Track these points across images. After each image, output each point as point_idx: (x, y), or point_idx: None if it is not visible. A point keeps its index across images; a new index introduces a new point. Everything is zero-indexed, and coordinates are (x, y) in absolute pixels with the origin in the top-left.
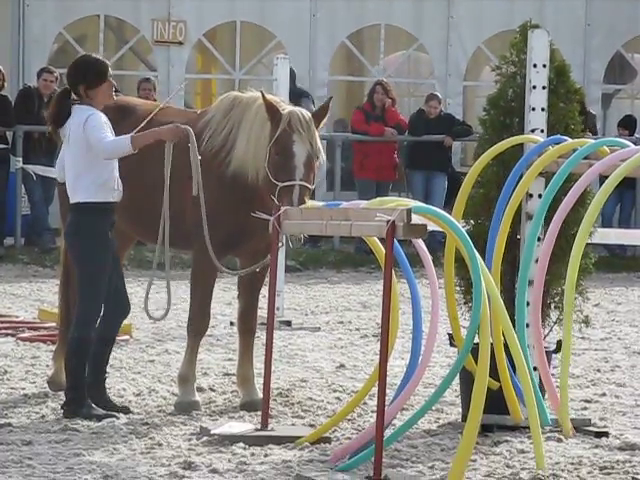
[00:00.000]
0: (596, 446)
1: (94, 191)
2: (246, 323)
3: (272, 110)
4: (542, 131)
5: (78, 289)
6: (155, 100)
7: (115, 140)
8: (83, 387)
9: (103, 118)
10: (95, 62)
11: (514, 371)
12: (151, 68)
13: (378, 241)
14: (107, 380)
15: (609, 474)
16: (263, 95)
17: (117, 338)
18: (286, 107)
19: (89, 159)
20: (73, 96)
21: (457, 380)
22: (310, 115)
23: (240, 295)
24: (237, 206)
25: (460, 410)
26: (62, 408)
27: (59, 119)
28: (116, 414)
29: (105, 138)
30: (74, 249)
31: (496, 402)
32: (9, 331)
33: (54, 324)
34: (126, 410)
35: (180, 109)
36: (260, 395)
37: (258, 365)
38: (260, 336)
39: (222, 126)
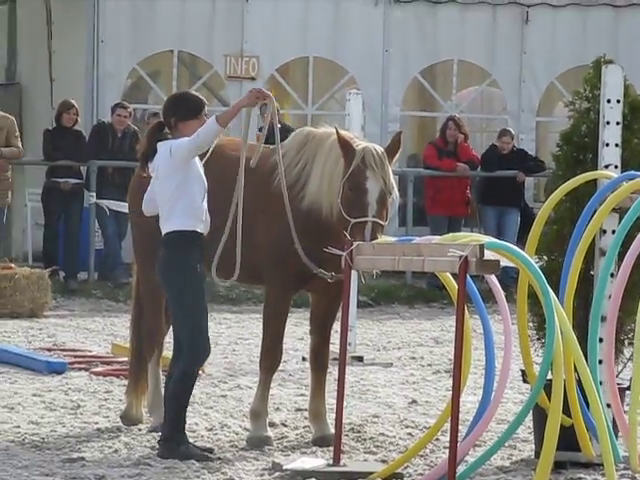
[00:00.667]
0: None
1: (186, 219)
2: (318, 359)
3: (346, 146)
4: (616, 167)
5: (179, 324)
6: (129, 126)
7: (204, 129)
8: (183, 424)
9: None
10: (191, 97)
11: (587, 408)
12: (224, 103)
13: (450, 276)
14: None
15: None
16: (337, 130)
17: None
18: (360, 143)
19: (181, 188)
20: (166, 131)
21: (530, 417)
22: (383, 151)
23: (312, 331)
24: (310, 240)
25: (533, 447)
26: (158, 443)
27: (148, 152)
28: (211, 455)
29: (192, 138)
30: (169, 282)
31: (569, 439)
32: (83, 365)
33: (127, 358)
34: (211, 450)
35: (254, 144)
36: (332, 430)
37: (330, 400)
38: (332, 371)
39: (296, 161)
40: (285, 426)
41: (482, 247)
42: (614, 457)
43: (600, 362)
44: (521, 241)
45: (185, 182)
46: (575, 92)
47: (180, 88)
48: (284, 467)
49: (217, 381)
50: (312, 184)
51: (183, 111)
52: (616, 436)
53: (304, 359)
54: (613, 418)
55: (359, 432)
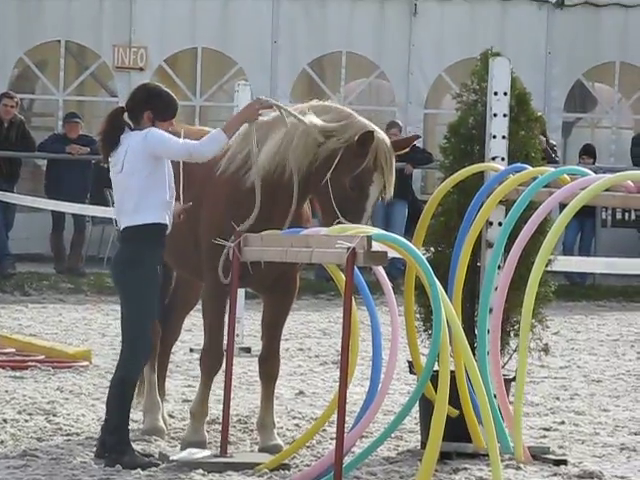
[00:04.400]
0: (555, 474)
1: (157, 212)
2: (267, 366)
3: (366, 139)
4: (503, 159)
5: (125, 326)
6: (15, 116)
7: (209, 138)
8: (126, 432)
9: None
10: (172, 97)
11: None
12: (112, 94)
13: (338, 268)
14: (66, 406)
15: None
16: (371, 133)
17: (76, 364)
18: (373, 128)
19: (154, 179)
20: (125, 119)
21: (416, 408)
22: (391, 146)
23: (262, 337)
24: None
25: (419, 437)
26: (104, 454)
27: (112, 137)
28: (158, 461)
29: (191, 142)
30: (125, 281)
31: (455, 429)
32: None
33: (13, 350)
34: (165, 457)
35: (201, 128)
36: (277, 441)
37: (217, 391)
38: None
39: (240, 148)
40: (172, 417)
41: (370, 239)
42: (503, 447)
43: (488, 353)
44: (409, 233)
45: (157, 173)
46: (463, 84)
47: (67, 78)
48: (171, 458)
49: (104, 372)
50: (266, 154)
51: (161, 108)
52: None
53: (191, 350)
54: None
55: (246, 423)
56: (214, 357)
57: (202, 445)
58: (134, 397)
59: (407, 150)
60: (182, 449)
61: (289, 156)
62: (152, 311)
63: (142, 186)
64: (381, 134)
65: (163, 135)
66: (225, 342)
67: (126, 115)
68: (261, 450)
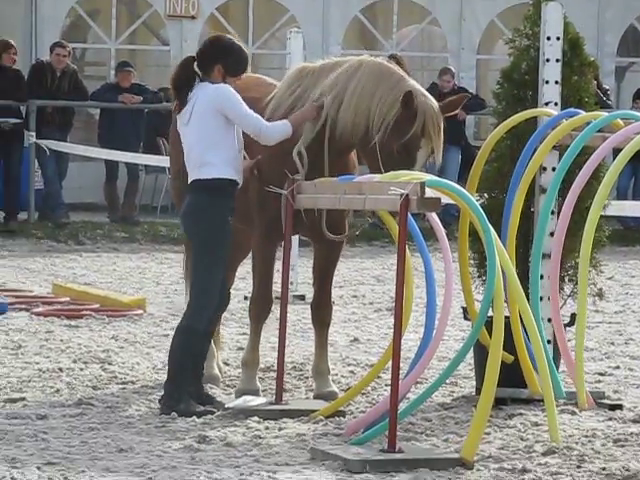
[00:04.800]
0: (610, 419)
1: (226, 167)
2: (318, 312)
3: (409, 100)
4: (556, 104)
5: (194, 276)
6: (68, 65)
7: (279, 126)
8: (185, 381)
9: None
10: (244, 53)
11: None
12: (164, 42)
13: (390, 216)
14: (121, 355)
15: (623, 446)
16: (410, 92)
17: (130, 313)
18: (417, 94)
19: (222, 133)
20: (195, 68)
21: (471, 353)
22: (439, 110)
23: (314, 282)
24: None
25: (474, 383)
26: (159, 402)
27: (183, 87)
28: (214, 409)
29: (263, 122)
30: (196, 232)
31: (510, 375)
32: (23, 306)
33: (68, 299)
34: (221, 405)
35: (261, 79)
36: (332, 388)
37: (272, 339)
38: (274, 310)
39: (289, 93)
40: (227, 365)
41: (423, 185)
42: (556, 393)
43: (541, 299)
44: (462, 179)
45: (226, 128)
46: (515, 30)
47: (119, 28)
48: (226, 406)
49: (159, 320)
50: (345, 109)
51: (232, 64)
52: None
53: (246, 298)
54: (554, 354)
55: (301, 370)
56: (263, 304)
57: (255, 393)
58: (203, 348)
59: (457, 111)
60: (236, 398)
61: (369, 116)
62: (222, 261)
63: (209, 140)
64: (429, 99)
65: (237, 99)
66: (278, 290)
67: (196, 65)
68: (316, 397)
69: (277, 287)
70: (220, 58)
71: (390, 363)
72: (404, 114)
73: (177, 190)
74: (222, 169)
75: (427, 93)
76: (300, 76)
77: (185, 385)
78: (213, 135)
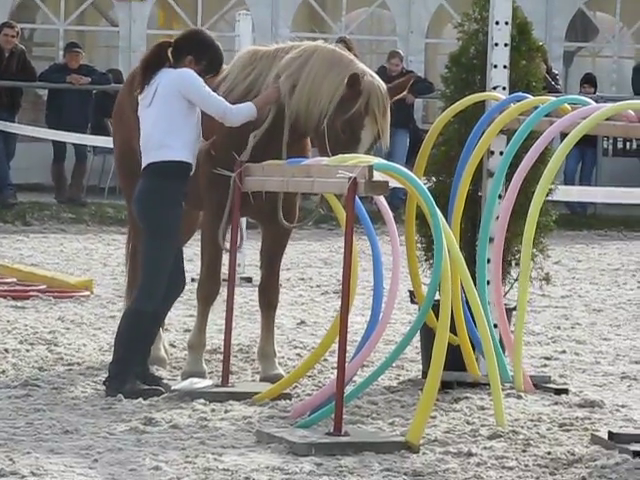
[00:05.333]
0: (556, 403)
1: (184, 150)
2: (266, 295)
3: (353, 80)
4: (504, 88)
5: (145, 258)
6: (16, 45)
7: (243, 108)
8: (131, 362)
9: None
10: (220, 52)
11: (475, 328)
12: (112, 23)
13: (337, 199)
14: (67, 336)
15: (568, 430)
16: (356, 75)
17: (77, 294)
18: (363, 73)
19: (184, 117)
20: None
21: (418, 337)
22: (386, 91)
23: (261, 265)
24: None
25: (420, 367)
26: (104, 383)
27: (151, 68)
28: (160, 389)
29: (227, 104)
30: (148, 215)
31: (456, 359)
32: None
33: (14, 279)
34: (167, 387)
35: None
36: (278, 370)
37: (219, 321)
38: (222, 292)
39: (241, 77)
40: (174, 347)
41: (371, 168)
42: (502, 377)
43: (488, 283)
44: (410, 162)
45: (188, 113)
46: (464, 14)
47: (68, 8)
48: (172, 387)
49: (106, 302)
50: (298, 96)
51: (206, 61)
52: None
53: (193, 280)
54: (501, 338)
55: (247, 353)
56: (211, 286)
57: (201, 376)
58: (152, 331)
59: (404, 94)
60: (183, 380)
61: (299, 107)
62: (173, 245)
63: (171, 123)
64: (376, 80)
65: (200, 82)
66: (226, 272)
67: (170, 51)
68: (262, 380)
69: (224, 269)
70: (195, 50)
71: (336, 345)
72: (349, 93)
73: (122, 172)
74: (180, 152)
75: (376, 75)
76: (254, 59)
77: (131, 367)
78: (175, 118)
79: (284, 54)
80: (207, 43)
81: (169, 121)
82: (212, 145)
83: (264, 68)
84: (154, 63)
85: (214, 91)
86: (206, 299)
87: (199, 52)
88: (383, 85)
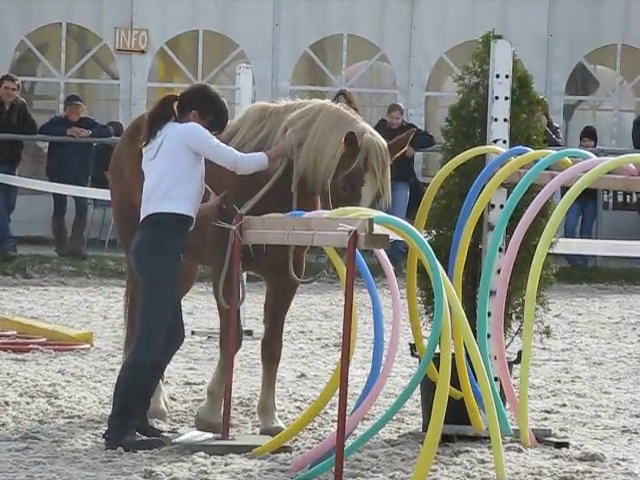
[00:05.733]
0: (556, 456)
1: (186, 203)
2: (268, 349)
3: (350, 138)
4: (504, 142)
5: (142, 310)
6: (17, 98)
7: (255, 157)
8: (131, 415)
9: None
10: (224, 108)
11: (475, 381)
12: (113, 76)
13: (336, 252)
14: (68, 389)
15: None
16: (352, 134)
17: (78, 347)
18: (364, 130)
19: (189, 170)
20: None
21: (418, 390)
22: (386, 148)
23: (265, 319)
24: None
25: (421, 420)
26: (104, 436)
27: (157, 121)
28: (161, 440)
29: (238, 153)
30: (147, 266)
31: (457, 412)
32: None
33: (15, 332)
34: (167, 440)
35: None
36: (278, 424)
37: None
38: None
39: (251, 135)
40: (174, 400)
41: (371, 221)
42: (503, 430)
43: (489, 336)
44: (410, 216)
45: (193, 166)
46: (464, 67)
47: (69, 61)
48: (173, 440)
49: (106, 355)
50: (303, 160)
51: (211, 116)
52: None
53: (193, 333)
54: (501, 391)
55: (248, 406)
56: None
57: (218, 427)
58: (151, 382)
59: (405, 149)
60: (197, 427)
61: (324, 159)
62: (172, 297)
63: (173, 178)
64: (375, 137)
65: (207, 134)
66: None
67: (175, 105)
68: (262, 433)
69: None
70: (201, 105)
71: (336, 398)
72: (348, 151)
73: (121, 226)
74: (182, 205)
75: (376, 132)
76: (263, 116)
77: (131, 419)
78: (180, 172)
79: (293, 111)
80: (212, 98)
81: (174, 174)
82: (223, 199)
83: (274, 125)
84: (160, 116)
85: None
86: (228, 349)
87: (204, 107)
88: (383, 142)
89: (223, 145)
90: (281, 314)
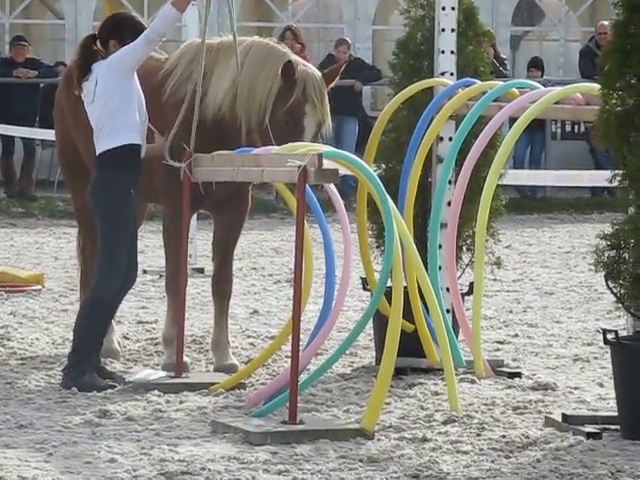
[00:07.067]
0: (509, 387)
1: (128, 133)
2: (219, 286)
3: (287, 67)
4: (452, 74)
5: (100, 247)
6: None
7: (160, 16)
8: (91, 352)
9: None
10: (137, 23)
11: (427, 314)
12: (58, 16)
13: (287, 188)
14: (20, 330)
15: (522, 414)
16: (290, 62)
17: (29, 288)
18: (297, 64)
19: (123, 102)
20: (98, 47)
21: (370, 324)
22: (322, 78)
23: (214, 257)
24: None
25: (374, 354)
26: (62, 371)
27: (83, 67)
28: (115, 383)
29: (145, 32)
30: (101, 203)
31: (410, 345)
32: None
33: None
34: (121, 379)
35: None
36: (232, 360)
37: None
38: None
39: (188, 73)
40: (127, 339)
41: (320, 156)
42: (456, 362)
43: (440, 268)
44: (360, 150)
45: (129, 96)
46: (410, 0)
47: (13, 2)
48: (127, 380)
49: (58, 295)
50: (218, 91)
51: (128, 39)
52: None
53: (145, 272)
54: (454, 323)
55: (201, 343)
56: (180, 279)
57: (186, 368)
58: (107, 320)
59: (337, 80)
60: (164, 372)
61: (239, 106)
62: (127, 233)
63: (114, 110)
64: (310, 68)
65: (122, 50)
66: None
67: (98, 43)
68: (216, 370)
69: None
70: (114, 32)
71: (290, 335)
72: (286, 84)
73: (65, 168)
74: (128, 135)
75: (310, 64)
76: (198, 54)
77: (91, 356)
78: (119, 104)
79: (226, 48)
80: (122, 21)
81: (114, 108)
82: (167, 138)
83: (208, 65)
84: (85, 60)
85: (160, 85)
86: (176, 292)
87: (119, 33)
88: (318, 72)
89: (131, 44)
90: (230, 250)
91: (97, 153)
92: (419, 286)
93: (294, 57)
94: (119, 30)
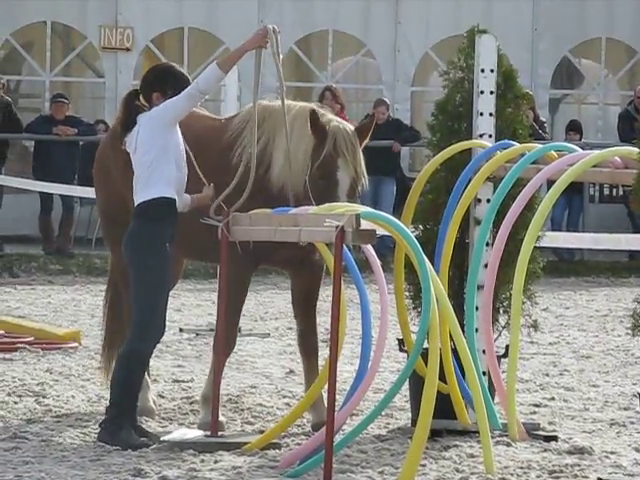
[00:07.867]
0: (545, 450)
1: (164, 187)
2: (305, 342)
3: (316, 125)
4: (490, 136)
5: (135, 300)
6: (2, 97)
7: (204, 75)
8: (129, 407)
9: None
10: (178, 73)
11: (463, 376)
12: (98, 74)
13: (326, 247)
14: (56, 388)
15: (558, 478)
16: (313, 110)
17: (65, 345)
18: (330, 120)
19: (161, 154)
20: (141, 102)
21: (407, 385)
22: (354, 131)
23: (296, 314)
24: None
25: (410, 415)
26: (100, 425)
27: (126, 121)
28: (150, 442)
29: (187, 89)
30: (135, 256)
31: (445, 407)
32: None
33: (2, 332)
34: (157, 438)
35: (206, 115)
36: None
37: (206, 371)
38: (209, 342)
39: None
40: (162, 397)
41: (358, 217)
42: (492, 424)
43: (476, 330)
44: (397, 211)
45: (166, 149)
46: (449, 62)
47: (54, 59)
48: (162, 439)
49: (94, 353)
50: (276, 164)
51: (170, 89)
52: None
53: (181, 330)
54: (489, 386)
55: (237, 403)
56: (230, 341)
57: (221, 427)
58: (143, 375)
59: (370, 135)
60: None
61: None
62: (162, 287)
63: (151, 162)
64: (340, 122)
65: (164, 103)
66: (213, 322)
67: (141, 97)
68: (314, 426)
69: (212, 318)
70: (157, 84)
71: (324, 395)
72: (316, 139)
73: (108, 228)
74: (162, 188)
75: (343, 121)
76: (264, 117)
77: (128, 412)
78: (156, 156)
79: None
80: (165, 73)
81: (151, 160)
82: (213, 192)
83: (271, 130)
84: (129, 115)
85: (228, 147)
86: (224, 353)
87: (161, 85)
88: (350, 126)
89: (174, 98)
90: (312, 304)
91: (135, 204)
92: (454, 348)
93: (329, 116)
94: (161, 82)
